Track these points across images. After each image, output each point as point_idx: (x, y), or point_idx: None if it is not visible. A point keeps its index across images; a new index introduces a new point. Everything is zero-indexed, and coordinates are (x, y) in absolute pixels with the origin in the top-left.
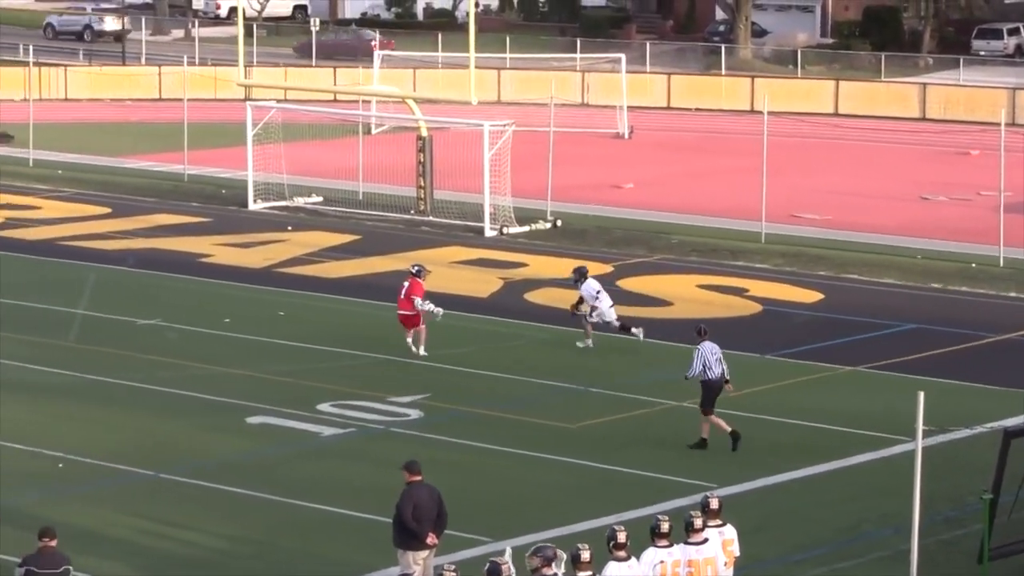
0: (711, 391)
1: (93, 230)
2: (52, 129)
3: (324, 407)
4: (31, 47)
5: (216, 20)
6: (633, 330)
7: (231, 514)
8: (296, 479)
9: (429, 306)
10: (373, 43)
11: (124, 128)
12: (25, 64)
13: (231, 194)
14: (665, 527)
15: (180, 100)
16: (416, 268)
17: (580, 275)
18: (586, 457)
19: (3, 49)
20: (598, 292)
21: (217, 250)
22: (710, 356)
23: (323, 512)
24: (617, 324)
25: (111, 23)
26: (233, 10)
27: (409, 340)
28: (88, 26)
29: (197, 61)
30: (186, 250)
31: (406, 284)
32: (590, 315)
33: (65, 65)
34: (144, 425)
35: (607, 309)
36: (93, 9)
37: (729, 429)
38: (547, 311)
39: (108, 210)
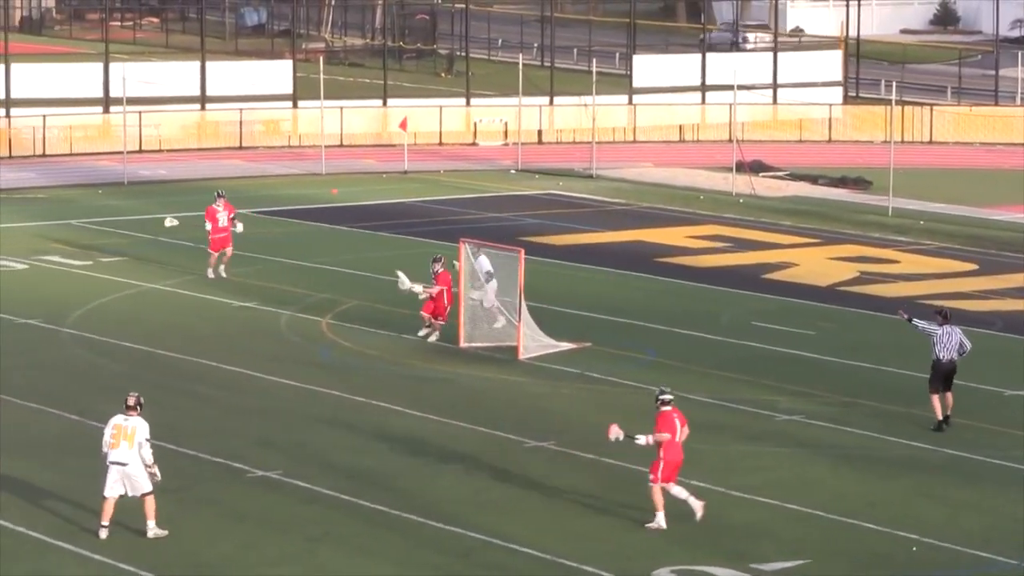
0: None
1: (957, 288)
2: (914, 175)
3: None
4: (894, 84)
5: None
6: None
7: None
8: None
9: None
10: None
11: (995, 176)
12: (887, 102)
13: None
14: None
15: None
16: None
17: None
18: None
19: (864, 85)
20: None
21: None
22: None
23: None
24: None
25: None
26: None
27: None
28: None
29: None
30: None
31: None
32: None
33: (931, 104)
34: (1013, 508)
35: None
36: None
37: None
38: None
39: (974, 266)
